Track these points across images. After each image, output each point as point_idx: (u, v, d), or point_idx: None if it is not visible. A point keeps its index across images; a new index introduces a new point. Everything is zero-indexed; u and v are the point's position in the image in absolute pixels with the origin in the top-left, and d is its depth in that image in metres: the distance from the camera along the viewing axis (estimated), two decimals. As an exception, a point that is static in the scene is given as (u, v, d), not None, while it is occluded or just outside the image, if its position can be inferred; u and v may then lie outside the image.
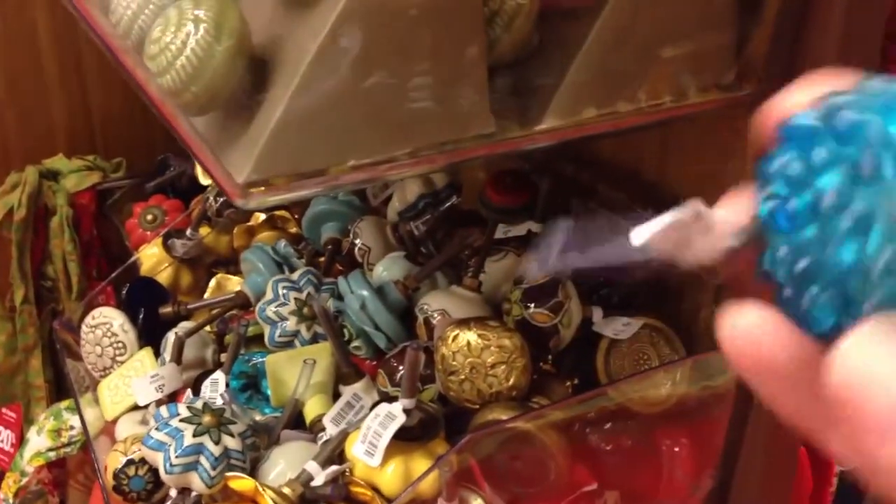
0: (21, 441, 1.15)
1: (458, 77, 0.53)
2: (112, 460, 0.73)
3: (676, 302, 0.78)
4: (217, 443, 0.66)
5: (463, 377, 0.68)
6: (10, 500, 0.97)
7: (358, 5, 0.48)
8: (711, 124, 0.71)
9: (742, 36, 0.63)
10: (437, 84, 0.52)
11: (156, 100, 0.48)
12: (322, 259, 0.92)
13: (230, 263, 1.04)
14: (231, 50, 0.49)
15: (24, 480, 0.96)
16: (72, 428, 0.97)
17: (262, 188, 0.49)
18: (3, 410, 1.19)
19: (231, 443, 0.67)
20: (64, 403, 1.00)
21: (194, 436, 0.66)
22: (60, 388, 1.19)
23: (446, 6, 0.51)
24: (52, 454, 0.95)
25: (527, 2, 0.55)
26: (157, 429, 0.66)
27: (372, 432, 0.64)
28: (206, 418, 0.67)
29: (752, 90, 0.64)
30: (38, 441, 0.97)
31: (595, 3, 0.56)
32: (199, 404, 0.68)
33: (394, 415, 0.64)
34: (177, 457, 0.65)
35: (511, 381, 0.67)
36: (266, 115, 0.50)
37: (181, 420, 0.67)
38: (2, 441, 1.19)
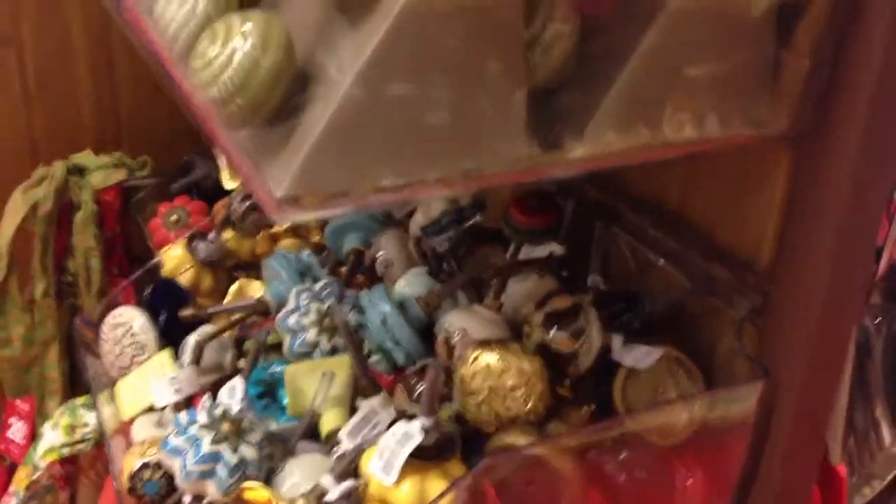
0: (33, 433, 1.16)
1: (497, 101, 0.54)
2: (128, 462, 0.74)
3: (697, 331, 0.78)
4: (234, 451, 0.66)
5: (481, 399, 0.68)
6: (21, 494, 0.97)
7: (402, 28, 0.48)
8: (738, 157, 0.71)
9: (776, 73, 0.63)
10: (475, 107, 0.53)
11: (201, 111, 0.48)
12: (343, 269, 0.92)
13: (252, 268, 1.04)
14: (276, 65, 0.49)
15: (36, 475, 0.97)
16: (86, 425, 0.97)
17: (299, 204, 0.49)
18: (17, 402, 1.20)
19: (248, 452, 0.67)
20: (80, 400, 1.01)
21: (212, 443, 0.66)
22: (75, 383, 1.20)
23: (488, 30, 0.52)
24: (65, 450, 0.96)
25: (567, 29, 0.55)
26: (175, 434, 0.67)
27: (389, 450, 0.64)
28: (225, 426, 0.67)
29: (784, 128, 0.64)
30: (53, 436, 0.97)
31: (633, 33, 0.56)
32: (218, 411, 0.69)
33: (411, 434, 0.64)
34: (194, 463, 0.65)
35: (529, 406, 0.67)
36: (307, 132, 0.50)
37: (200, 427, 0.67)
38: (14, 432, 1.20)
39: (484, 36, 0.52)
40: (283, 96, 0.49)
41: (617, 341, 0.74)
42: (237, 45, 0.48)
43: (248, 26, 0.48)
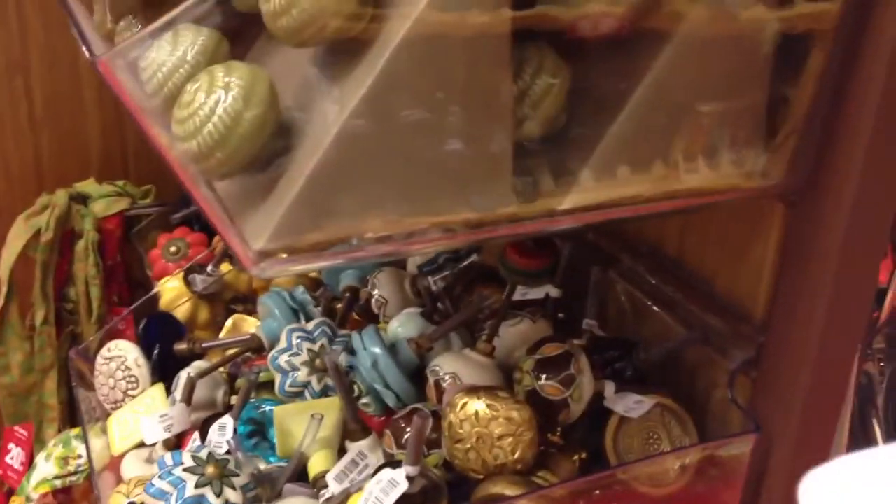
0: (31, 460, 1.16)
1: (483, 155, 0.53)
2: (114, 501, 0.73)
3: (691, 380, 0.77)
4: (218, 495, 0.66)
5: (469, 446, 0.67)
6: (13, 525, 0.97)
7: (385, 83, 0.48)
8: (734, 207, 0.71)
9: (772, 126, 0.62)
10: (460, 162, 0.52)
11: (177, 164, 0.48)
12: (339, 306, 0.92)
13: (249, 301, 1.04)
14: (259, 118, 0.49)
15: (28, 506, 0.96)
16: (79, 457, 0.97)
17: (282, 256, 0.49)
18: (16, 429, 1.20)
19: (232, 496, 0.67)
20: (74, 431, 1.01)
21: (196, 486, 0.66)
22: (73, 411, 1.20)
23: (475, 85, 0.52)
24: (58, 482, 0.96)
25: (557, 83, 0.55)
26: (159, 476, 0.66)
27: (374, 498, 0.63)
28: (210, 469, 0.67)
29: (779, 181, 0.63)
30: (46, 468, 0.97)
31: (623, 92, 0.56)
32: (203, 454, 0.68)
33: (396, 482, 0.63)
34: (177, 507, 0.65)
35: (517, 455, 0.66)
36: (288, 183, 0.50)
37: (184, 469, 0.67)
38: (12, 458, 1.20)
39: (470, 90, 0.51)
40: (264, 149, 0.49)
41: (609, 388, 0.74)
42: (220, 97, 0.48)
43: (232, 79, 0.48)
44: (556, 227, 0.57)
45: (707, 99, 0.60)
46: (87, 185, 1.23)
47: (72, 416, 1.19)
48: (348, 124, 0.49)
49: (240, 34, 0.56)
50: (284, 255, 0.49)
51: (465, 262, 0.91)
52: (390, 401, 0.76)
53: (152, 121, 0.49)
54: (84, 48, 0.46)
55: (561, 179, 0.57)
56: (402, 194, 0.52)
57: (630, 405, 0.72)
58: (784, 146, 0.63)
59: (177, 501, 0.65)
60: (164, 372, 0.91)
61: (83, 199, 1.21)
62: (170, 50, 0.53)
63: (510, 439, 0.67)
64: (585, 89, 0.58)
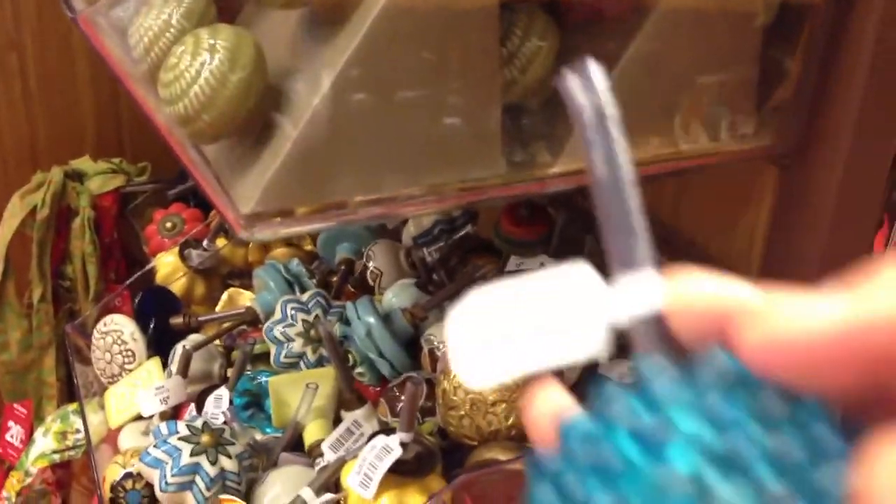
0: (30, 437, 1.17)
1: (471, 117, 0.53)
2: (111, 472, 0.74)
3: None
4: (213, 463, 0.66)
5: (463, 413, 0.67)
6: (13, 499, 0.97)
7: (374, 44, 0.48)
8: (727, 171, 0.70)
9: (764, 88, 0.62)
10: (449, 122, 0.52)
11: (163, 128, 0.48)
12: (334, 278, 0.92)
13: (244, 276, 1.04)
14: (245, 80, 0.49)
15: (28, 480, 0.97)
16: (77, 431, 0.97)
17: (266, 220, 0.49)
18: (15, 406, 1.20)
19: (227, 464, 0.67)
20: (71, 406, 1.01)
21: (191, 455, 0.66)
22: (72, 388, 1.20)
23: (462, 46, 0.51)
24: (56, 456, 0.96)
25: (545, 45, 0.55)
26: (155, 446, 0.67)
27: (367, 464, 0.64)
28: (205, 438, 0.67)
29: (771, 142, 0.63)
30: (44, 442, 0.97)
31: (613, 55, 0.55)
32: (198, 423, 0.69)
33: (390, 448, 0.63)
34: (173, 475, 0.65)
35: (510, 421, 0.66)
36: (276, 147, 0.50)
37: (179, 438, 0.67)
38: (12, 436, 1.20)
39: (458, 51, 0.51)
40: (251, 112, 0.49)
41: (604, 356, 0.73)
42: (205, 59, 0.48)
43: (217, 41, 0.48)
44: (548, 189, 0.57)
45: (701, 66, 0.60)
46: (83, 163, 1.22)
47: (70, 393, 1.20)
48: (333, 88, 0.48)
49: (227, -1, 0.55)
50: (274, 219, 0.49)
51: (460, 234, 0.91)
52: (385, 370, 0.76)
53: (140, 86, 0.49)
54: (64, 6, 0.46)
55: (550, 144, 0.57)
56: (390, 161, 0.52)
57: (624, 372, 0.72)
58: (775, 111, 0.62)
59: (172, 469, 0.65)
60: (160, 346, 0.91)
61: (79, 177, 1.21)
62: (155, 14, 0.53)
63: (504, 405, 0.67)
64: (576, 54, 0.58)
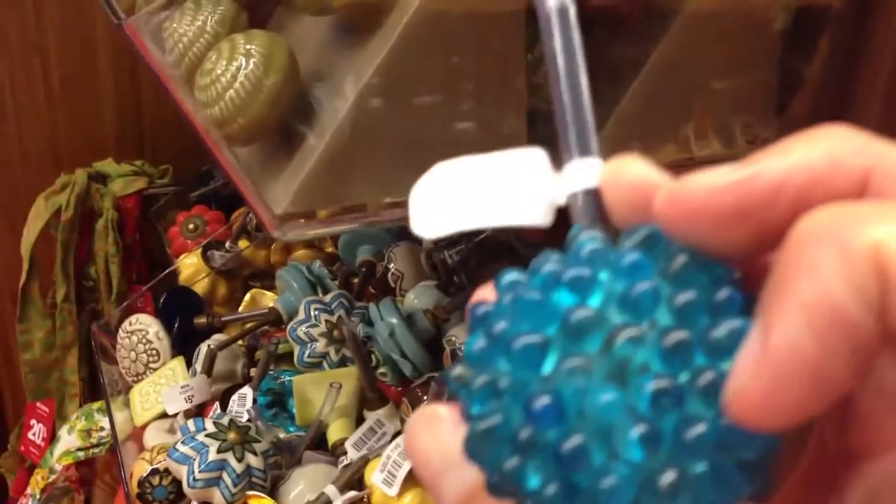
0: (52, 436, 1.18)
1: (497, 122, 0.54)
2: (138, 468, 0.75)
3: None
4: (240, 460, 0.67)
5: (485, 413, 0.68)
6: (38, 496, 0.99)
7: (404, 50, 0.49)
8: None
9: (785, 93, 0.63)
10: (476, 128, 0.53)
11: (201, 130, 0.49)
12: (356, 280, 0.93)
13: (266, 277, 1.06)
14: (278, 85, 0.50)
15: (53, 477, 0.98)
16: (102, 429, 0.99)
17: (299, 220, 0.50)
18: (38, 405, 1.22)
19: (254, 461, 0.68)
20: (96, 405, 1.02)
21: (218, 452, 0.67)
22: (94, 387, 1.22)
23: (490, 53, 0.52)
24: (80, 454, 0.97)
25: (571, 51, 0.56)
26: (183, 442, 0.68)
27: (392, 462, 0.65)
28: (231, 435, 0.68)
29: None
30: (69, 440, 0.99)
31: (635, 60, 0.56)
32: (225, 420, 0.70)
33: (414, 446, 0.64)
34: (200, 471, 0.66)
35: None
36: (309, 150, 0.51)
37: (207, 435, 0.68)
38: (34, 434, 1.22)
39: (486, 58, 0.52)
40: (285, 115, 0.50)
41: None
42: (241, 64, 0.49)
43: (252, 47, 0.49)
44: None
45: (717, 70, 0.60)
46: (106, 165, 1.24)
47: (92, 393, 1.21)
48: (362, 94, 0.50)
49: (258, 4, 0.57)
50: (305, 220, 0.50)
51: (481, 237, 0.92)
52: (407, 370, 0.77)
53: (177, 87, 0.50)
54: (110, 12, 0.47)
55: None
56: (416, 165, 0.53)
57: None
58: (795, 117, 0.63)
59: (200, 466, 0.66)
60: (183, 346, 0.92)
61: (102, 179, 1.23)
62: (189, 20, 0.54)
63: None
64: (598, 63, 0.59)
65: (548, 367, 0.18)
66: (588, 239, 0.20)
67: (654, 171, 0.20)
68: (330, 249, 1.02)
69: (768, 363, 0.16)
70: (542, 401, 0.17)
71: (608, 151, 0.58)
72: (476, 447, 0.19)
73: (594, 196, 0.21)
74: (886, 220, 0.16)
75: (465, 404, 0.19)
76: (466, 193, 0.22)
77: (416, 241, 0.97)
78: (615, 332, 0.18)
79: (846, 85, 0.60)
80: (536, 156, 0.22)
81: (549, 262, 0.20)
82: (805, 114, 0.63)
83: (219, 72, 0.50)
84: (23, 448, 1.21)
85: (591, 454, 0.17)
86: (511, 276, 0.20)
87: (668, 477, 0.17)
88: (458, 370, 0.19)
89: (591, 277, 0.19)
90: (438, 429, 0.20)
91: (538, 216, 0.22)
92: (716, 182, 0.18)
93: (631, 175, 0.20)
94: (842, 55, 0.59)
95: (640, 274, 0.18)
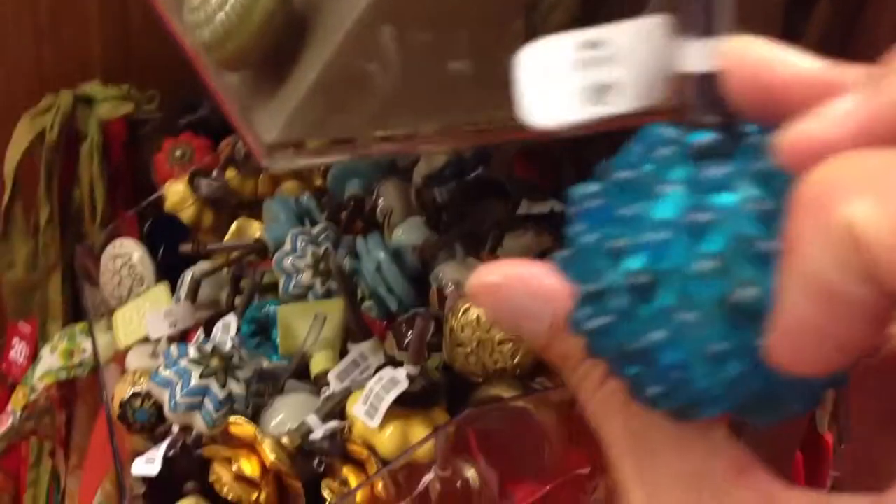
0: (34, 355, 1.18)
1: (494, 57, 0.53)
2: (119, 390, 0.75)
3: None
4: (223, 386, 0.68)
5: (469, 350, 0.68)
6: (18, 414, 0.99)
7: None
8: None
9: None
10: (473, 62, 0.52)
11: (191, 53, 0.48)
12: (343, 214, 0.92)
13: (254, 207, 1.05)
14: (270, 9, 0.49)
15: (33, 396, 0.99)
16: (84, 351, 0.99)
17: (289, 149, 0.49)
18: (20, 324, 1.22)
19: (236, 388, 0.69)
20: (79, 326, 1.02)
21: (201, 377, 0.67)
22: (77, 309, 1.21)
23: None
24: (62, 374, 0.98)
25: (571, -10, 0.55)
26: (165, 367, 0.68)
27: (374, 394, 0.65)
28: (214, 361, 0.69)
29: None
30: (51, 360, 0.99)
31: (632, 11, 0.55)
32: (208, 347, 0.70)
33: (397, 380, 0.65)
34: (182, 396, 0.67)
35: (516, 360, 0.68)
36: (300, 78, 0.50)
37: (189, 361, 0.68)
38: (16, 353, 1.22)
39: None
40: (277, 41, 0.49)
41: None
42: (234, -15, 0.48)
43: (247, -33, 0.48)
44: (563, 132, 0.57)
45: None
46: (92, 88, 1.22)
47: (75, 314, 1.21)
48: (359, 22, 0.48)
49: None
50: (295, 149, 0.49)
51: (472, 175, 0.91)
52: (392, 305, 0.77)
53: (167, 7, 0.49)
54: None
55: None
56: (411, 98, 0.52)
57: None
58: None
59: (182, 390, 0.67)
60: (168, 273, 0.92)
61: (88, 101, 1.21)
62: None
63: (510, 345, 0.68)
64: (598, 4, 0.58)
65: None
66: (703, 136, 0.19)
67: (780, 52, 0.19)
68: (319, 182, 1.01)
69: (784, 330, 0.17)
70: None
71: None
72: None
73: (713, 79, 0.20)
74: (866, 194, 0.16)
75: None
76: (576, 74, 0.21)
77: (406, 176, 0.96)
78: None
79: (847, 47, 0.59)
80: (654, 26, 0.21)
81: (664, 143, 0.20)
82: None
83: (210, -8, 0.48)
84: (4, 366, 1.22)
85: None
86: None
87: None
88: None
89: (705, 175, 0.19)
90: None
91: (655, 95, 0.21)
92: (844, 121, 0.17)
93: (754, 57, 0.19)
94: (843, 15, 0.58)
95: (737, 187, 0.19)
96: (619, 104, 0.21)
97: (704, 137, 0.19)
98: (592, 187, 0.21)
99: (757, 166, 0.19)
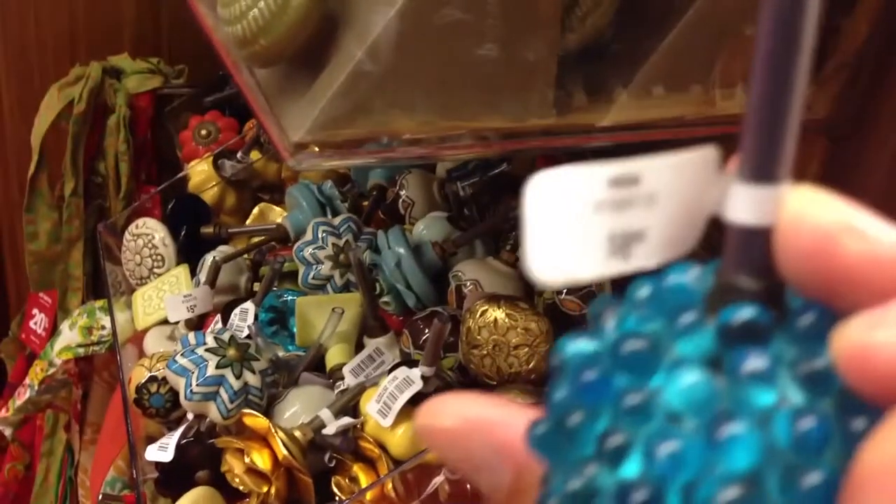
0: (53, 327, 1.19)
1: (526, 62, 0.52)
2: (137, 374, 0.76)
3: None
4: (238, 377, 0.68)
5: (485, 352, 0.68)
6: (36, 387, 1.00)
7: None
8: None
9: (820, 56, 0.61)
10: (504, 66, 0.52)
11: (220, 48, 0.48)
12: (366, 203, 0.92)
13: (277, 190, 1.05)
14: (304, 6, 0.48)
15: (52, 370, 0.99)
16: (103, 328, 0.99)
17: (314, 149, 0.49)
18: (41, 295, 1.23)
19: (251, 379, 0.69)
20: (98, 303, 1.03)
21: (217, 367, 0.67)
22: (97, 282, 1.22)
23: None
24: (80, 350, 0.98)
25: (608, -4, 0.54)
26: (182, 354, 0.68)
27: (388, 393, 0.65)
28: (231, 351, 0.69)
29: (824, 112, 0.62)
30: (70, 335, 1.00)
31: (672, 10, 0.54)
32: (225, 336, 0.70)
33: (412, 380, 0.65)
34: (198, 385, 0.67)
35: (531, 365, 0.67)
36: (330, 77, 0.49)
37: (206, 350, 0.68)
38: (35, 323, 1.23)
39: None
40: (308, 40, 0.48)
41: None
42: (267, -17, 0.47)
43: (280, -35, 0.47)
44: (591, 143, 0.56)
45: (752, 21, 0.58)
46: (121, 60, 1.22)
47: (95, 288, 1.22)
48: (392, 22, 0.48)
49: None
50: (319, 150, 0.49)
51: (496, 171, 0.90)
52: (410, 301, 0.77)
53: (199, 1, 0.49)
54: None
55: (596, 95, 0.56)
56: (439, 96, 0.51)
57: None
58: (832, 79, 0.61)
59: (197, 379, 0.67)
60: (189, 254, 0.92)
61: (116, 74, 1.21)
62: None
63: (526, 349, 0.68)
64: (639, 4, 0.57)
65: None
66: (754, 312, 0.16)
67: (856, 216, 0.15)
68: (342, 170, 1.00)
69: None
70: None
71: (634, 92, 0.56)
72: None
73: (762, 237, 0.16)
74: None
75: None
76: (605, 220, 0.16)
77: (430, 168, 0.95)
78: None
79: (890, 45, 0.57)
80: (698, 162, 0.16)
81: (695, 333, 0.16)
82: (843, 75, 0.61)
83: (243, -12, 0.48)
84: (24, 336, 1.23)
85: None
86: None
87: None
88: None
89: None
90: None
91: (690, 243, 0.17)
92: None
93: (822, 221, 0.15)
94: (887, 11, 0.57)
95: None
96: (647, 257, 0.16)
97: (740, 314, 0.15)
98: (586, 346, 0.17)
99: (804, 363, 0.15)
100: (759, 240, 0.16)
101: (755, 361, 0.15)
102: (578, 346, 0.17)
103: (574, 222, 0.16)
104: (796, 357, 0.15)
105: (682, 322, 0.16)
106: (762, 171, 0.16)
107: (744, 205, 0.16)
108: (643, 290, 0.17)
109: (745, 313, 0.15)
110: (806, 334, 0.15)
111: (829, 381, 0.15)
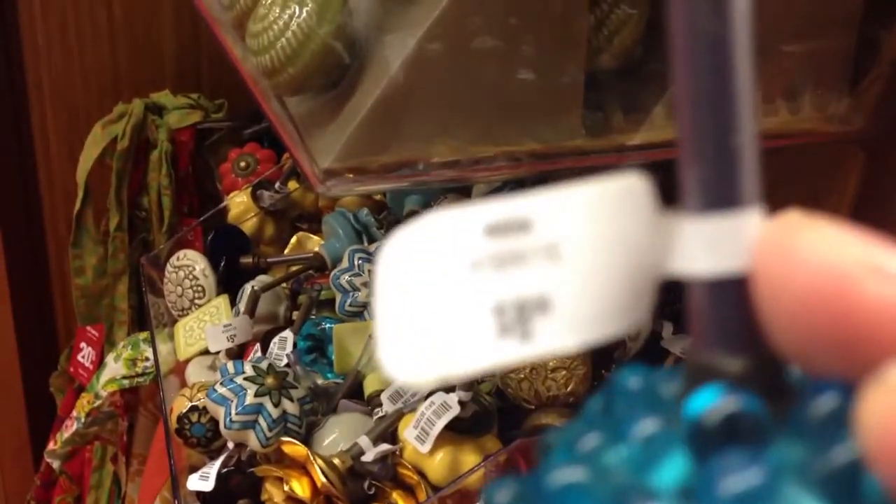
0: (101, 360, 1.21)
1: (554, 84, 0.52)
2: (178, 403, 0.76)
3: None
4: (276, 405, 0.68)
5: (522, 376, 0.67)
6: (82, 419, 1.02)
7: (459, 7, 0.47)
8: (809, 153, 0.68)
9: (859, 68, 0.60)
10: (531, 89, 0.52)
11: (248, 78, 0.49)
12: (402, 230, 0.92)
13: (315, 220, 1.05)
14: (331, 35, 0.49)
15: (98, 402, 1.01)
16: (146, 360, 1.01)
17: (344, 176, 0.49)
18: (88, 329, 1.25)
19: (290, 407, 0.69)
20: (142, 335, 1.04)
21: (256, 395, 0.68)
22: (143, 315, 1.24)
23: (550, 12, 0.50)
24: (125, 382, 1.00)
25: (636, 13, 0.54)
26: (221, 383, 0.69)
27: (425, 419, 0.65)
28: (269, 380, 0.69)
29: (863, 125, 0.61)
30: (115, 368, 1.01)
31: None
32: (264, 365, 0.70)
33: (449, 405, 0.64)
34: (237, 413, 0.67)
35: (569, 388, 0.67)
36: (357, 104, 0.50)
37: (245, 378, 0.69)
38: (83, 357, 1.25)
39: (546, 16, 0.50)
40: (336, 67, 0.49)
41: (667, 329, 0.73)
42: (294, 12, 0.48)
43: (306, -5, 0.48)
44: (623, 163, 0.56)
45: (790, 37, 0.58)
46: (163, 97, 1.25)
47: (140, 321, 1.24)
48: (418, 47, 0.48)
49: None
50: (350, 175, 0.49)
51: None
52: (447, 326, 0.76)
53: (226, 33, 0.50)
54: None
55: (631, 115, 0.56)
56: (468, 121, 0.51)
57: (688, 346, 0.72)
58: (869, 91, 0.60)
59: (237, 408, 0.67)
60: (228, 284, 0.93)
61: (158, 110, 1.23)
62: (247, -37, 0.53)
63: (564, 372, 0.67)
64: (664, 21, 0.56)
65: None
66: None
67: (865, 247, 0.11)
68: (378, 196, 1.01)
69: None
70: None
71: (669, 111, 0.56)
72: None
73: (736, 290, 0.11)
74: None
75: None
76: (487, 284, 0.11)
77: (467, 193, 0.95)
78: None
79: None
80: (623, 195, 0.11)
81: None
82: (883, 87, 0.60)
83: (271, 19, 0.49)
84: (72, 369, 1.25)
85: None
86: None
87: None
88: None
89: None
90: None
91: (637, 317, 0.12)
92: None
93: (819, 257, 0.11)
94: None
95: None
96: (557, 334, 0.11)
97: (715, 404, 0.10)
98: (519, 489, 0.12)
99: (818, 461, 0.10)
100: (730, 294, 0.11)
101: (741, 476, 0.10)
102: (503, 490, 0.12)
103: (444, 292, 0.11)
104: (805, 457, 0.10)
105: (646, 435, 0.11)
106: (717, 195, 0.11)
107: (699, 248, 0.11)
108: (594, 404, 0.12)
109: (722, 406, 0.10)
110: (819, 423, 0.10)
111: (858, 484, 0.10)
